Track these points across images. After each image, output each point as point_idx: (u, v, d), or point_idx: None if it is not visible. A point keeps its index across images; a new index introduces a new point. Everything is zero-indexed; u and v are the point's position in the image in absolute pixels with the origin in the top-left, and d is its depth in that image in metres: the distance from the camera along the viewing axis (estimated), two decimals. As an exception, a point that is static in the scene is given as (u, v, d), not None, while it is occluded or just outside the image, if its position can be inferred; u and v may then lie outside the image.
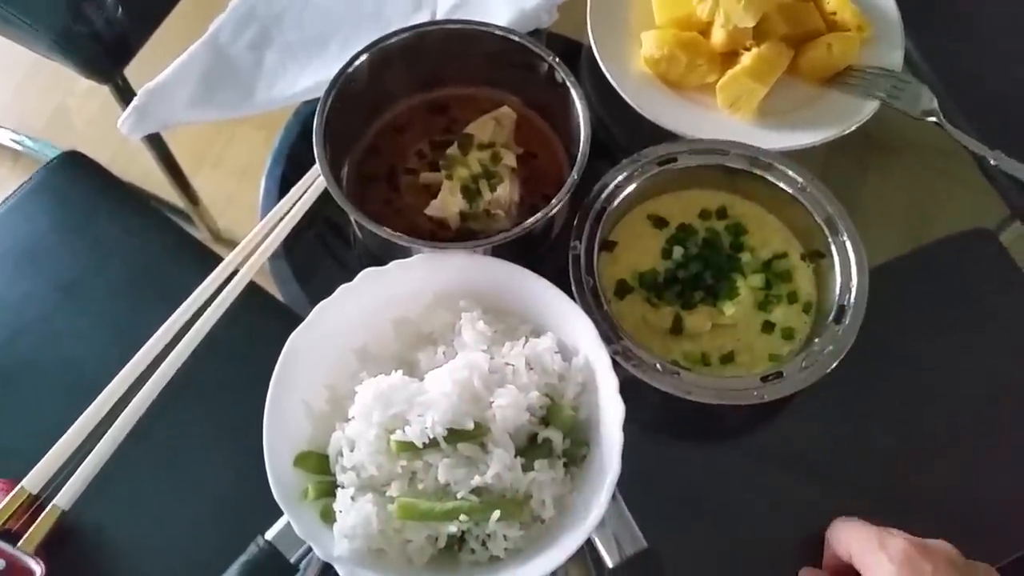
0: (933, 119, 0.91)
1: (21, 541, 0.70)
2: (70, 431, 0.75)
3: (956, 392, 0.84)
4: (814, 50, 0.93)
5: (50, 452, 0.74)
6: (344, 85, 0.82)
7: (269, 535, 0.67)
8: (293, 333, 0.71)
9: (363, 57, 0.83)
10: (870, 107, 0.90)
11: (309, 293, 0.89)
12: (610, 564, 0.67)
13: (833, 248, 0.79)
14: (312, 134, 0.78)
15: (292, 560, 0.67)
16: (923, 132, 0.93)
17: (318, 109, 0.79)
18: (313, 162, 0.78)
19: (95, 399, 0.77)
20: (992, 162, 0.89)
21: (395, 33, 0.84)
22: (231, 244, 0.87)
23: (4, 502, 0.71)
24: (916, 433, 0.82)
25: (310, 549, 0.66)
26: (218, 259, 0.87)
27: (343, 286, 0.73)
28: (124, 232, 0.93)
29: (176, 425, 0.81)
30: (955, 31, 1.05)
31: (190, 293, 0.83)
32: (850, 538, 0.69)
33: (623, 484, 0.65)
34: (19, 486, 0.72)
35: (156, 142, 1.30)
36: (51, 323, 0.87)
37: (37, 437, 0.75)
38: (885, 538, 0.66)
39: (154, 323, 0.81)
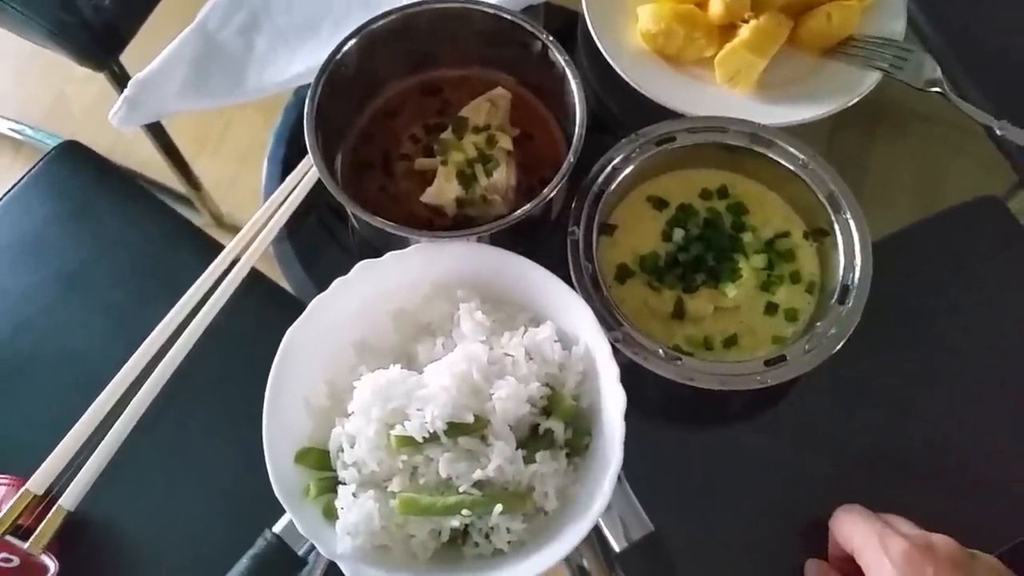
0: (937, 89, 0.89)
1: (29, 541, 0.71)
2: (73, 429, 0.75)
3: (965, 367, 0.83)
4: (813, 20, 0.91)
5: (55, 452, 0.74)
6: (334, 71, 0.81)
7: (277, 528, 0.68)
8: (290, 328, 0.71)
9: (352, 41, 0.81)
10: (872, 79, 0.88)
11: (313, 276, 0.88)
12: (616, 548, 0.67)
13: (836, 226, 0.77)
14: (308, 119, 0.77)
15: (300, 553, 0.68)
16: (930, 102, 0.91)
17: (308, 97, 0.78)
18: (314, 144, 0.77)
19: (99, 391, 0.77)
20: (998, 132, 0.87)
21: (384, 15, 0.82)
22: (234, 229, 0.86)
23: (10, 504, 0.72)
24: (924, 412, 0.81)
25: (317, 543, 0.66)
26: (219, 245, 0.86)
27: (339, 279, 0.72)
28: (124, 221, 0.93)
29: (182, 416, 0.81)
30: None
31: (192, 280, 0.82)
32: (852, 532, 0.68)
33: (628, 468, 0.65)
34: (24, 488, 0.72)
35: (155, 128, 1.29)
36: (54, 315, 0.88)
37: (43, 430, 0.76)
38: (887, 537, 0.65)
39: (157, 312, 0.81)
